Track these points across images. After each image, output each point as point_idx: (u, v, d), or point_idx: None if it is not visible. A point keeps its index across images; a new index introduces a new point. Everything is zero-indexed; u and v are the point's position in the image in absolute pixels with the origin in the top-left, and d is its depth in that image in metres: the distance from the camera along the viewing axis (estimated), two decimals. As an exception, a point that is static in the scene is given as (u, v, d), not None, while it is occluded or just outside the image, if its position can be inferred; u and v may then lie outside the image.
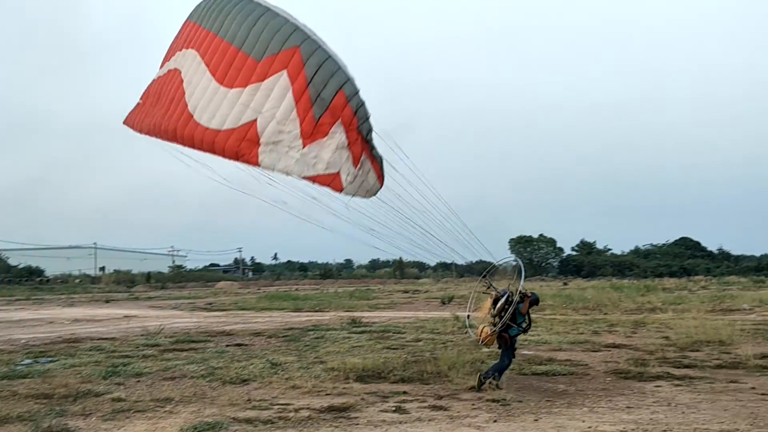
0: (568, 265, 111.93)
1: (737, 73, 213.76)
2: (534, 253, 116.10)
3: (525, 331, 12.23)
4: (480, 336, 11.92)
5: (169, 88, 9.94)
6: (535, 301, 12.06)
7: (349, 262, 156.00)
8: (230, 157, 8.77)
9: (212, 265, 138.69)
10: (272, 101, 8.36)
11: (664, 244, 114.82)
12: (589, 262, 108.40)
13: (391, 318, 28.54)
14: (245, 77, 8.54)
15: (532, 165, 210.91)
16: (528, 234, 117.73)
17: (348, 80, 8.48)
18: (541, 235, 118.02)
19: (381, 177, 9.25)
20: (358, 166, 8.64)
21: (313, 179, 8.61)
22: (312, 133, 8.30)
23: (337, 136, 8.33)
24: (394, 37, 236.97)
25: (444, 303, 37.61)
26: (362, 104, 8.61)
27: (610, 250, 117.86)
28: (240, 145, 8.54)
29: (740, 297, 37.72)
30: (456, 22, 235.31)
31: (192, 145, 9.21)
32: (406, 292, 54.40)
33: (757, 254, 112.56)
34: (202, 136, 8.90)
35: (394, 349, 17.58)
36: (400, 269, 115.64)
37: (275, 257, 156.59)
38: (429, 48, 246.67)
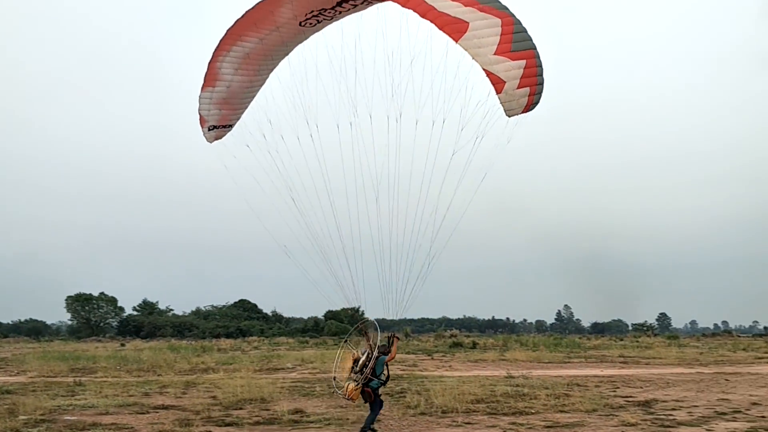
0: (128, 326, 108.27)
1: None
2: (92, 312, 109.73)
3: (384, 383, 13.32)
4: (346, 392, 12.96)
5: None
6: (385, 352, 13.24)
7: None
8: (435, 20, 11.09)
9: None
10: (485, 24, 11.03)
11: (224, 306, 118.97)
12: (149, 322, 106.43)
13: None
14: (468, 2, 11.12)
15: (96, 218, 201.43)
16: (88, 292, 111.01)
17: (536, 47, 11.37)
18: (102, 293, 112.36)
19: (527, 108, 11.47)
20: (520, 89, 11.09)
21: (489, 73, 10.95)
22: (504, 53, 10.97)
23: (518, 66, 11.01)
24: None
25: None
26: (541, 65, 11.40)
27: (172, 310, 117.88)
28: (450, 25, 10.99)
29: (286, 356, 41.11)
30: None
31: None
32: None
33: (305, 317, 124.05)
34: (416, 4, 11.31)
35: None
36: None
37: None
38: None
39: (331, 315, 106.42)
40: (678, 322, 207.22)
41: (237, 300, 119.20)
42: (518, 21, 11.27)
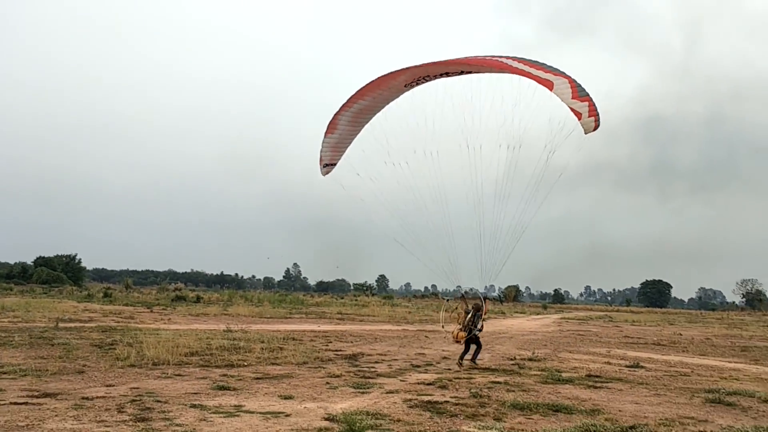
0: None
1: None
2: None
3: (480, 330, 19.36)
4: (455, 336, 19.26)
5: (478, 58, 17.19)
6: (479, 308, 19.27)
7: None
8: (533, 79, 15.95)
9: None
10: (561, 82, 15.87)
11: None
12: None
13: None
14: (542, 69, 16.14)
15: None
16: None
17: (589, 93, 15.98)
18: None
19: (594, 129, 15.99)
20: (589, 117, 15.69)
21: (571, 108, 15.65)
22: (576, 97, 15.68)
23: (585, 105, 15.66)
24: None
25: None
26: (595, 103, 15.91)
27: None
28: (544, 82, 15.77)
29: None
30: None
31: (498, 67, 16.66)
32: None
33: (11, 261, 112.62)
34: (502, 65, 16.48)
35: None
36: None
37: None
38: None
39: (42, 261, 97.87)
40: (395, 284, 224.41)
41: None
42: (575, 79, 16.25)
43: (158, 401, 11.67)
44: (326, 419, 10.63)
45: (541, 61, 16.89)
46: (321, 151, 19.27)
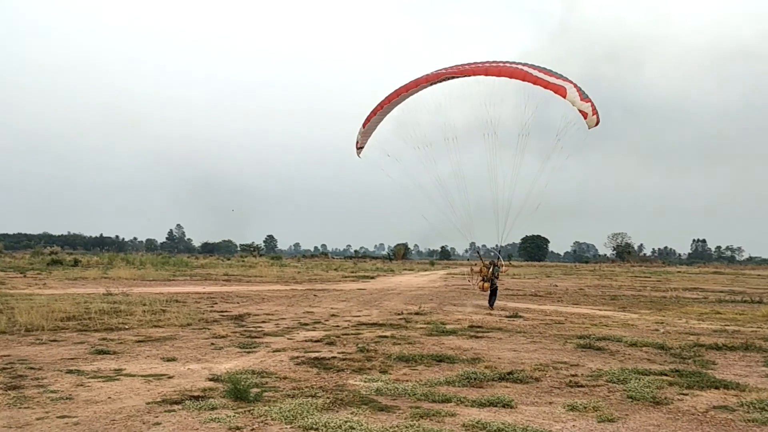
0: None
1: None
2: None
3: (497, 278, 25.23)
4: (482, 288, 24.89)
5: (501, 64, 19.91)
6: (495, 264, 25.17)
7: None
8: (549, 88, 18.74)
9: None
10: (570, 87, 18.80)
11: None
12: None
13: None
14: (554, 77, 19.04)
15: None
16: None
17: (589, 96, 19.14)
18: None
19: (596, 125, 19.17)
20: (593, 116, 18.84)
21: (580, 110, 18.70)
22: (583, 99, 18.76)
23: (589, 105, 18.78)
24: None
25: None
26: (594, 104, 19.15)
27: None
28: (559, 89, 18.65)
29: None
30: None
31: (521, 76, 19.02)
32: None
33: None
34: (524, 74, 18.92)
35: None
36: None
37: None
38: None
39: None
40: (283, 244, 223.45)
41: None
42: (577, 84, 19.09)
43: (31, 368, 11.14)
44: (210, 380, 10.50)
45: (548, 67, 19.96)
46: (357, 138, 22.95)
